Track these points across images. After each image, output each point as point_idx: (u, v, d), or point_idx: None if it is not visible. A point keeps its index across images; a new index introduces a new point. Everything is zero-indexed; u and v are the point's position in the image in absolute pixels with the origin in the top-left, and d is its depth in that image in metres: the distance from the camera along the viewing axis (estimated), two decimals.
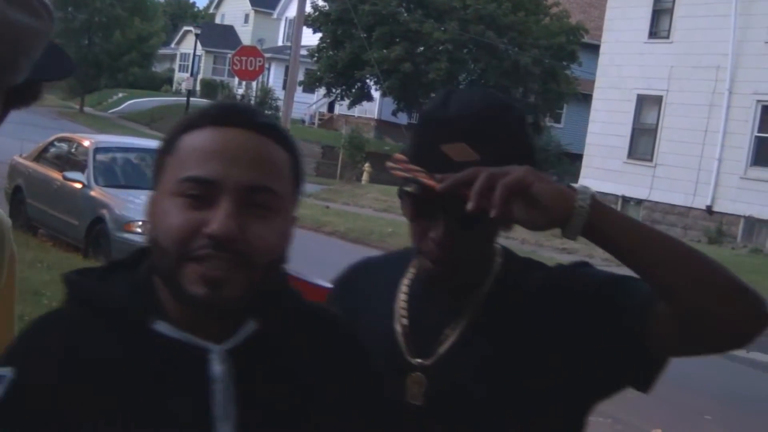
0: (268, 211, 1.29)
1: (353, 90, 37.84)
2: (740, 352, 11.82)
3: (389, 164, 1.66)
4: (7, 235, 1.76)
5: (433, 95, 1.78)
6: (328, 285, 1.67)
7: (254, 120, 1.33)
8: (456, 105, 1.62)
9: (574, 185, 1.49)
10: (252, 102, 39.96)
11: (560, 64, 35.35)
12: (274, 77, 46.43)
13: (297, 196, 1.38)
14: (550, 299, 1.65)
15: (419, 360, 1.67)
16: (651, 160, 24.54)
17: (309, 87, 40.39)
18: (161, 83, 57.47)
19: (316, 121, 45.34)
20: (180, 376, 1.28)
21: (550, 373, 1.62)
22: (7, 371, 1.24)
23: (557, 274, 1.71)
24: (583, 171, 26.75)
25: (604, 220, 1.45)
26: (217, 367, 1.29)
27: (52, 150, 14.01)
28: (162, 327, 1.30)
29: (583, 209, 1.43)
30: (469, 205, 1.43)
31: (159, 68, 60.76)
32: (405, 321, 1.72)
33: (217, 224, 1.24)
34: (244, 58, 21.45)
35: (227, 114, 1.33)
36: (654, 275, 1.47)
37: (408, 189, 1.62)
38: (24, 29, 1.23)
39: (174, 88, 56.32)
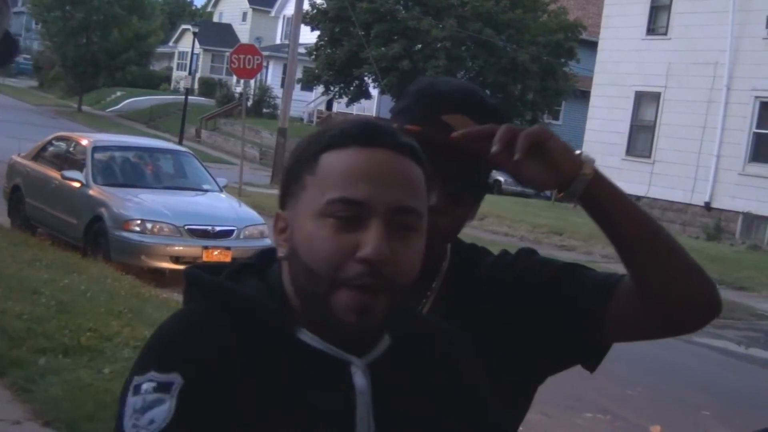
0: (412, 231, 1.30)
1: (351, 88, 37.80)
2: (739, 349, 11.83)
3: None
4: None
5: (415, 81, 1.85)
6: None
7: (397, 140, 1.32)
8: (446, 85, 1.73)
9: (579, 152, 1.57)
10: (250, 100, 39.97)
11: (558, 61, 35.33)
12: (273, 75, 46.43)
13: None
14: (504, 282, 1.72)
15: None
16: (649, 156, 24.56)
17: (307, 85, 40.35)
18: (159, 82, 57.45)
19: (315, 119, 45.31)
20: (323, 387, 1.28)
21: (508, 349, 1.68)
22: (175, 377, 1.22)
23: (510, 259, 1.79)
24: None
25: (601, 190, 1.55)
26: (361, 380, 1.30)
27: (51, 149, 14.01)
28: (306, 336, 1.30)
29: (587, 175, 1.53)
30: (494, 149, 1.49)
31: (157, 67, 60.74)
32: None
33: (372, 248, 1.24)
34: (242, 57, 21.44)
35: (371, 134, 1.32)
36: (637, 248, 1.57)
37: None
38: None
39: (172, 86, 56.28)
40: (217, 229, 11.36)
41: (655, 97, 24.68)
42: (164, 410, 1.21)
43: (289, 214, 1.33)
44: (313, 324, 1.30)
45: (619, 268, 1.64)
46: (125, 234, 11.18)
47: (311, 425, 1.26)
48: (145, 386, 1.23)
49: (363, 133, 1.32)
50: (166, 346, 1.28)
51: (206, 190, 13.06)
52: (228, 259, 10.70)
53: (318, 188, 1.29)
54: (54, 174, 12.93)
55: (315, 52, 37.51)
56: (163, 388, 1.22)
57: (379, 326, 1.31)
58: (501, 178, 36.03)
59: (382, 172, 1.29)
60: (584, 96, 31.70)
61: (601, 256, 16.58)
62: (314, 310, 1.29)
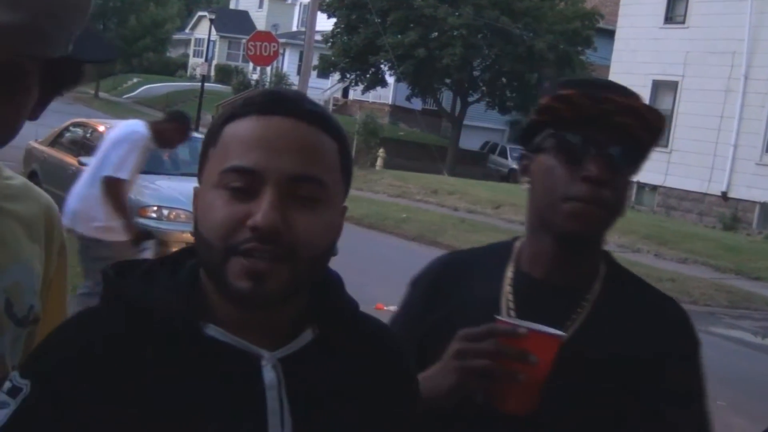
0: (315, 202, 1.25)
1: (367, 75, 37.78)
2: (755, 339, 11.80)
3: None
4: (57, 222, 1.68)
5: (447, 81, 1.80)
6: (559, 332, 1.52)
7: (300, 107, 1.27)
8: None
9: None
10: (266, 87, 39.96)
11: (575, 50, 35.19)
12: (289, 62, 46.46)
13: (346, 187, 1.33)
14: (653, 328, 1.67)
15: None
16: (666, 146, 24.46)
17: (323, 72, 40.37)
18: (176, 68, 57.55)
19: (331, 107, 45.26)
20: (232, 382, 1.24)
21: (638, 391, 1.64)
22: (25, 384, 1.20)
23: (669, 316, 1.73)
24: None
25: None
26: (270, 374, 1.26)
27: (68, 135, 14.04)
28: (213, 331, 1.25)
29: None
30: None
31: (174, 53, 60.84)
32: (514, 314, 1.69)
33: (261, 216, 1.20)
34: (258, 44, 21.47)
35: (272, 101, 1.27)
36: None
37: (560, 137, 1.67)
38: None
39: (188, 73, 56.38)
40: None
41: (673, 86, 24.58)
42: (2, 414, 1.19)
43: (198, 190, 1.30)
44: (225, 314, 1.26)
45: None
46: (141, 220, 11.22)
47: (218, 423, 1.21)
48: (5, 384, 1.22)
49: (263, 101, 1.27)
50: (42, 349, 1.26)
51: None
52: None
53: (217, 160, 1.26)
54: (71, 160, 12.96)
55: (331, 40, 37.49)
56: (12, 392, 1.20)
57: (279, 298, 1.24)
58: (516, 167, 35.89)
59: (277, 140, 1.23)
60: None
61: (616, 246, 16.52)
62: (215, 282, 1.25)
